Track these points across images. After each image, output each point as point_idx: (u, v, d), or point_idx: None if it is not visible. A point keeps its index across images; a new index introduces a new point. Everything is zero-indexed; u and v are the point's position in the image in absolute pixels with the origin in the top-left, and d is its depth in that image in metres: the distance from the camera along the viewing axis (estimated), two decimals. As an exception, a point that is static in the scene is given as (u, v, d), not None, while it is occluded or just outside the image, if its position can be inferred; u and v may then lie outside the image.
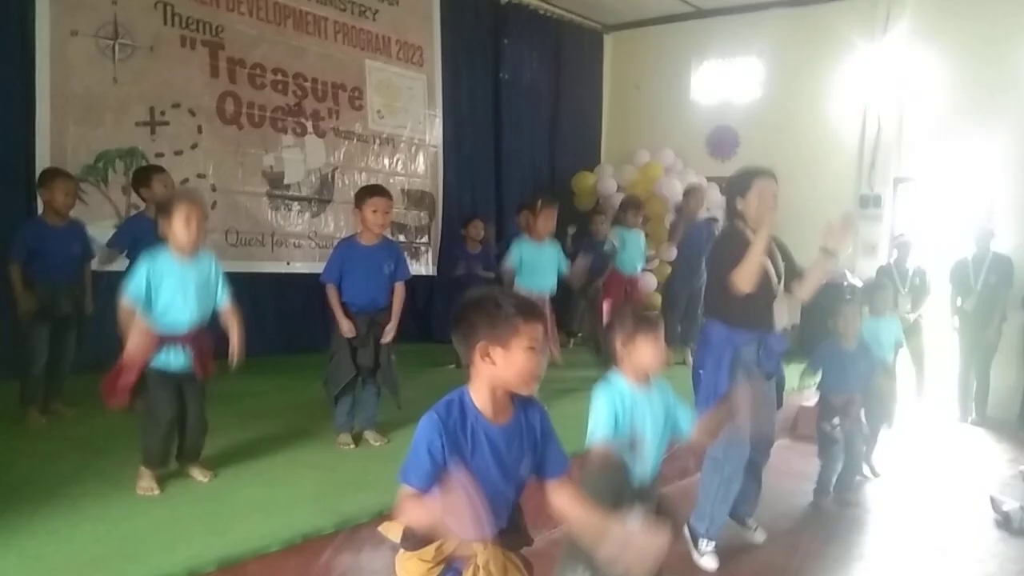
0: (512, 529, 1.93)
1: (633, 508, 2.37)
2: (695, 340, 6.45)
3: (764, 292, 3.46)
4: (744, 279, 3.34)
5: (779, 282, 3.56)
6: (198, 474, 3.51)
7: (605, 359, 2.52)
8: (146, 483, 3.33)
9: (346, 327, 4.05)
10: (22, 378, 4.39)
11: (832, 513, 4.59)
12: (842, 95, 8.51)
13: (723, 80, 9.31)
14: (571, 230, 8.04)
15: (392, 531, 1.94)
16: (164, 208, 3.34)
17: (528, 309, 1.80)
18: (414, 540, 1.85)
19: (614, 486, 2.36)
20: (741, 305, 3.42)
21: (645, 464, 2.45)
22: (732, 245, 3.49)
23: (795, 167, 8.60)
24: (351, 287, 4.12)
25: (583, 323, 8.09)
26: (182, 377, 3.39)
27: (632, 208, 6.51)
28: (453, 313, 1.86)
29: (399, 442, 4.17)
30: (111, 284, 4.65)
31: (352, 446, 4.13)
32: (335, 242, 6.97)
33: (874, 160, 8.30)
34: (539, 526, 3.60)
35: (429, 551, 1.84)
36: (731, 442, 3.46)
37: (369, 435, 4.25)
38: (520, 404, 1.89)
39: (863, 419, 4.80)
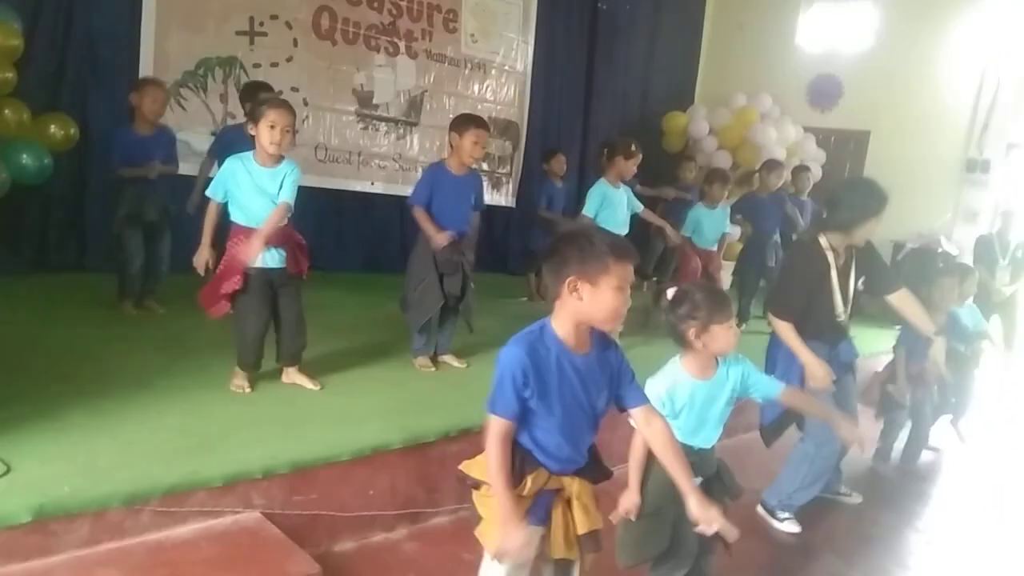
0: (593, 463, 1.96)
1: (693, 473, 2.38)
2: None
3: (831, 311, 3.39)
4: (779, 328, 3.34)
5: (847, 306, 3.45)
6: (307, 382, 3.63)
7: (674, 339, 2.44)
8: (239, 381, 3.49)
9: (442, 238, 4.00)
10: (120, 276, 4.64)
11: (893, 481, 4.51)
12: (960, 50, 7.96)
13: (831, 25, 8.80)
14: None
15: (475, 470, 1.94)
16: (253, 111, 3.39)
17: (621, 249, 1.81)
18: (515, 475, 1.85)
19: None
20: (810, 321, 3.35)
21: (704, 438, 2.43)
22: (809, 264, 3.40)
23: (899, 124, 8.19)
24: (440, 214, 4.07)
25: (660, 268, 7.98)
26: (277, 277, 3.47)
27: (718, 181, 6.22)
28: (547, 245, 1.86)
29: (473, 368, 4.27)
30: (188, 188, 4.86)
31: (433, 369, 4.21)
32: (418, 166, 7.09)
33: (987, 122, 7.80)
34: (623, 456, 3.67)
35: (524, 485, 1.85)
36: (824, 435, 3.41)
37: (449, 358, 4.32)
38: (598, 340, 1.90)
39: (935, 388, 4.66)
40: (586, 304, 1.78)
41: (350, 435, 3.09)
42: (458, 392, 3.79)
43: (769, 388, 2.54)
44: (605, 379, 1.91)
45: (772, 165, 6.83)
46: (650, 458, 2.32)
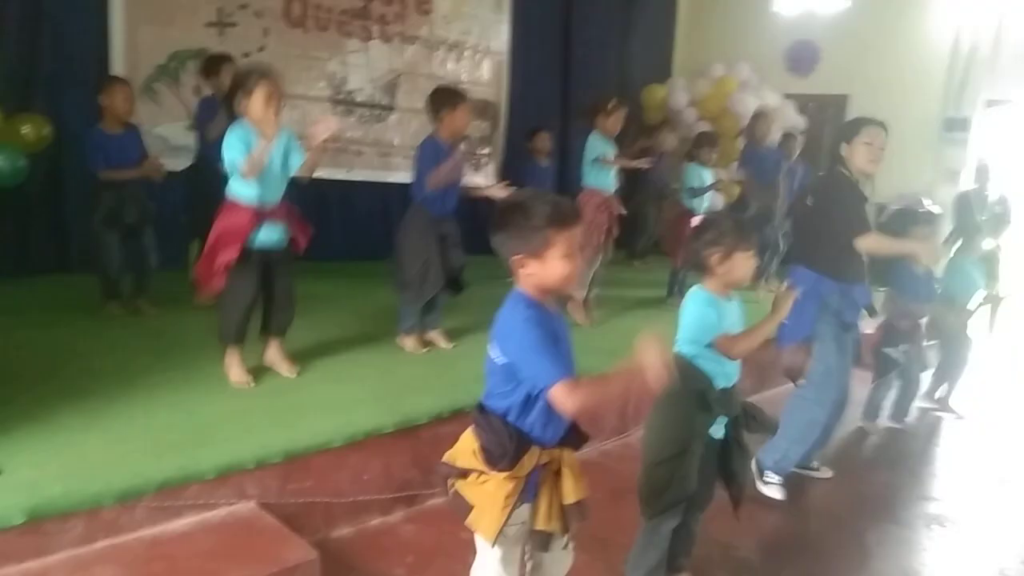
0: (573, 429, 1.95)
1: (718, 412, 2.39)
2: (759, 273, 6.39)
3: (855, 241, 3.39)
4: (868, 245, 3.34)
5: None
6: (285, 369, 3.62)
7: (692, 269, 2.47)
8: (238, 376, 3.45)
9: (457, 168, 3.99)
10: (101, 277, 4.59)
11: (884, 440, 4.56)
12: (934, 9, 7.97)
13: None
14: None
15: (461, 459, 1.90)
16: (242, 84, 3.26)
17: (560, 216, 1.77)
18: (509, 460, 1.80)
19: (699, 391, 2.39)
20: (835, 254, 3.37)
21: (730, 369, 2.45)
22: (839, 194, 3.41)
23: (877, 86, 8.19)
24: (439, 190, 4.02)
25: (647, 243, 8.01)
26: (273, 254, 3.44)
27: (707, 145, 6.27)
28: (494, 220, 1.82)
29: (461, 348, 4.27)
30: (174, 186, 4.82)
31: (424, 350, 4.21)
32: (396, 150, 7.06)
33: (964, 81, 7.83)
34: (592, 438, 3.69)
35: (524, 466, 1.82)
36: (822, 384, 3.45)
37: (438, 337, 4.31)
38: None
39: (925, 351, 4.70)
40: (539, 277, 1.79)
41: (342, 421, 3.09)
42: (448, 374, 3.79)
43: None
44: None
45: (760, 115, 6.86)
46: (670, 399, 2.33)
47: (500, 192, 4.01)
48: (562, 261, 1.77)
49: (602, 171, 5.09)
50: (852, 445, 4.35)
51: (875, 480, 3.94)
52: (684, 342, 2.43)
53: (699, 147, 6.29)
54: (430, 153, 4.04)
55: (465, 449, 1.89)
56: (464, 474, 1.90)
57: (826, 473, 3.89)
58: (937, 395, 5.14)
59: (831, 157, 3.53)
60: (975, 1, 7.65)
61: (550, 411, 1.81)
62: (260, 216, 3.33)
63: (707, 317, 2.40)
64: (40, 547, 2.29)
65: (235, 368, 3.47)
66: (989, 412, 5.23)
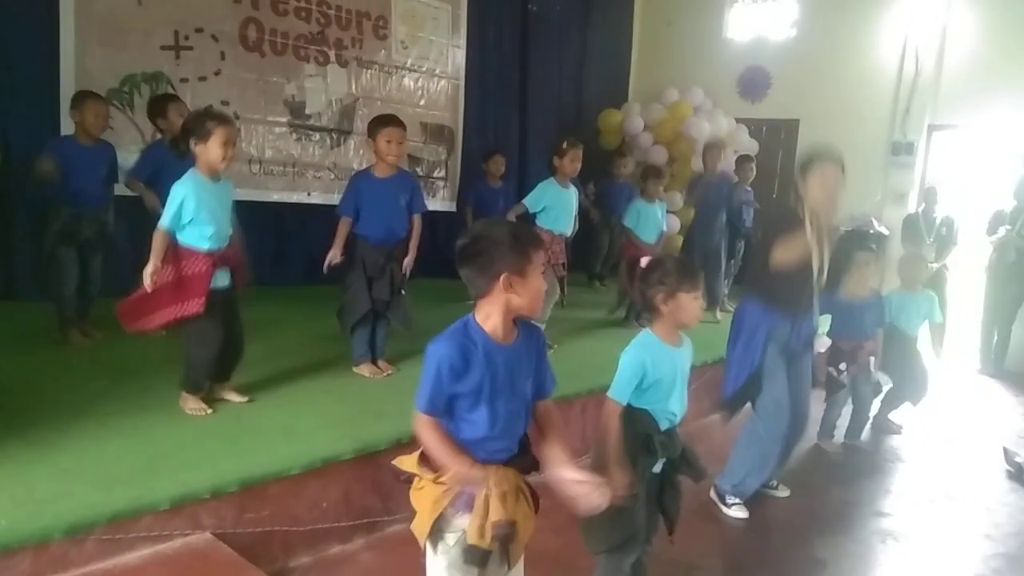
0: (522, 453, 1.97)
1: (661, 455, 2.40)
2: (714, 301, 6.50)
3: (804, 276, 3.41)
4: (784, 257, 3.32)
5: (821, 273, 3.48)
6: (235, 396, 3.58)
7: (636, 313, 2.49)
8: (194, 404, 3.39)
9: (333, 255, 4.06)
10: (56, 301, 4.44)
11: (840, 458, 4.64)
12: (879, 37, 8.25)
13: (758, 17, 9.04)
14: (591, 187, 7.96)
15: (406, 463, 1.97)
16: (198, 127, 3.27)
17: (533, 236, 1.92)
18: (433, 464, 1.89)
19: (641, 435, 2.39)
20: (781, 286, 3.40)
21: (672, 411, 2.47)
22: (781, 224, 3.44)
23: (827, 111, 8.41)
24: (368, 220, 4.12)
25: (606, 265, 8.10)
26: (228, 296, 3.43)
27: (653, 177, 6.37)
28: (464, 247, 1.86)
29: (409, 370, 4.22)
30: (134, 209, 4.73)
31: (382, 373, 4.22)
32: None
33: (909, 106, 8.09)
34: (577, 451, 3.69)
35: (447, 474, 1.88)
36: (772, 417, 3.52)
37: (382, 364, 4.31)
38: (522, 326, 1.94)
39: (872, 368, 4.80)
40: (519, 296, 1.84)
41: (299, 448, 3.04)
42: (407, 399, 3.71)
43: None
44: (532, 364, 1.96)
45: (711, 146, 7.01)
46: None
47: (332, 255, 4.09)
48: (539, 279, 1.88)
49: (558, 210, 5.09)
50: (808, 463, 4.42)
51: (831, 497, 4.00)
52: (618, 389, 2.41)
53: (644, 180, 6.40)
54: (350, 184, 4.20)
55: (414, 456, 1.95)
56: (410, 479, 1.97)
57: (783, 492, 3.94)
58: (886, 415, 5.23)
59: (783, 188, 3.59)
60: (918, 30, 7.93)
61: (482, 427, 1.86)
62: (216, 261, 3.32)
63: (638, 366, 2.38)
64: (-17, 584, 2.21)
65: (190, 400, 3.41)
66: (938, 431, 5.35)
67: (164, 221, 3.25)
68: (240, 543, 2.65)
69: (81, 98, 4.53)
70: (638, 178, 6.67)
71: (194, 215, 3.25)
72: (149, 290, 3.22)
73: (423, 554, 1.95)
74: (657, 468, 2.45)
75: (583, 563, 2.64)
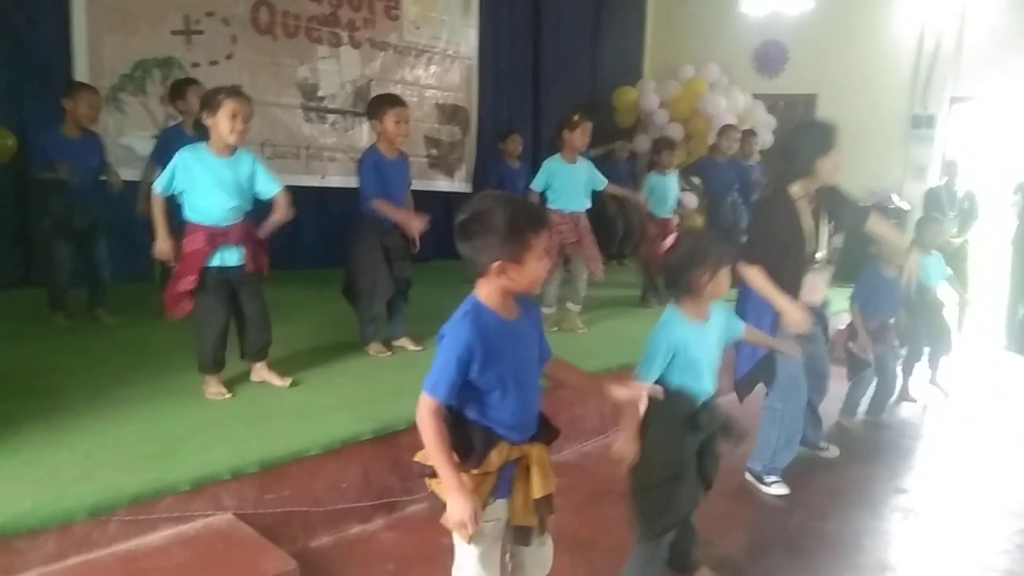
0: (544, 425, 1.97)
1: (700, 424, 2.40)
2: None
3: (799, 258, 3.36)
4: (749, 275, 3.30)
5: (823, 249, 3.44)
6: (275, 379, 3.58)
7: (677, 291, 2.44)
8: (214, 388, 3.40)
9: (419, 222, 4.04)
10: (49, 287, 4.54)
11: (863, 435, 4.60)
12: (898, 9, 8.10)
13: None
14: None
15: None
16: (209, 100, 3.27)
17: (534, 220, 1.81)
18: (477, 456, 1.83)
19: (683, 413, 2.39)
20: (785, 273, 3.34)
21: (705, 384, 2.45)
22: (779, 215, 3.38)
23: (845, 85, 8.30)
24: (387, 199, 4.07)
25: (627, 244, 8.07)
26: (236, 275, 3.39)
27: (666, 149, 6.32)
28: (463, 223, 1.81)
29: (425, 351, 4.22)
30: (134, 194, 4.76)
31: (388, 353, 4.22)
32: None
33: (930, 78, 7.95)
34: (572, 439, 3.68)
35: (489, 461, 1.84)
36: (790, 391, 3.49)
37: (405, 342, 4.33)
38: (521, 301, 1.91)
39: (897, 344, 4.75)
40: (515, 282, 1.81)
41: (319, 429, 3.05)
42: (423, 378, 3.75)
43: (736, 328, 2.62)
44: (535, 337, 1.94)
45: (727, 130, 6.93)
46: (658, 424, 2.36)
47: (417, 225, 4.06)
48: (539, 263, 1.81)
49: (565, 187, 5.02)
50: (830, 440, 4.38)
51: (851, 474, 3.96)
52: (645, 369, 2.39)
53: (658, 153, 6.34)
54: (369, 166, 4.08)
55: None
56: (435, 473, 1.89)
57: (833, 451, 4.05)
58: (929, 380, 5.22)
59: (786, 171, 3.48)
60: (937, 1, 7.78)
61: (510, 408, 1.84)
62: (215, 238, 3.30)
63: (669, 346, 2.37)
64: (10, 565, 2.23)
65: (212, 384, 3.42)
66: (961, 407, 5.30)
67: (156, 185, 3.29)
68: (261, 523, 2.67)
69: (76, 88, 4.55)
70: (651, 151, 6.61)
71: (187, 187, 3.26)
72: (164, 258, 3.33)
73: (454, 543, 1.94)
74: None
75: (602, 541, 2.64)
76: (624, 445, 2.30)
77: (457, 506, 1.76)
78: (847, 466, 4.07)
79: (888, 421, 4.83)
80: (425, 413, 1.81)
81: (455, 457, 1.83)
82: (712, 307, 2.49)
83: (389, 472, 3.14)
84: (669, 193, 6.20)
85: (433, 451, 1.81)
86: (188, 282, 3.28)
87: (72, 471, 2.56)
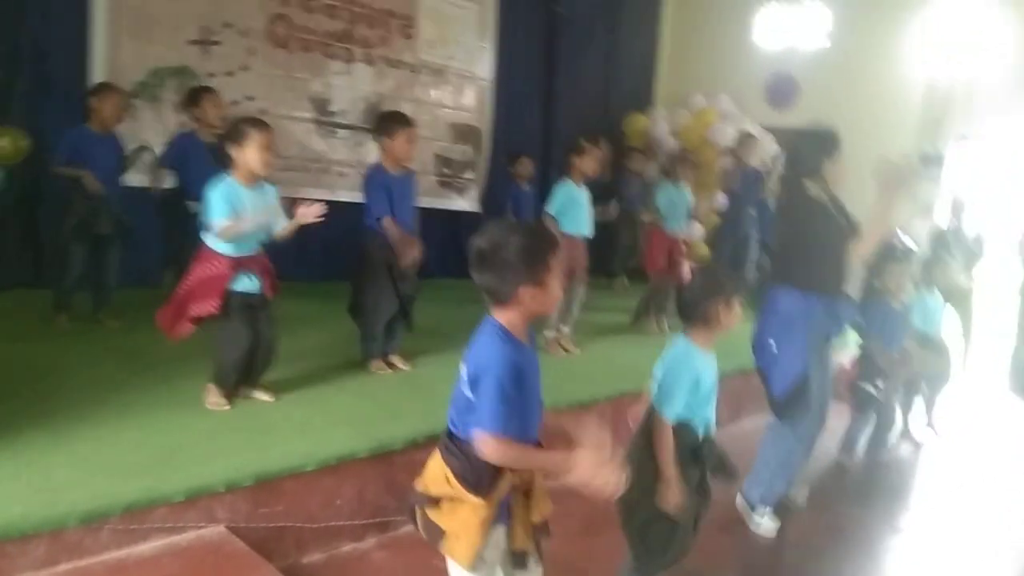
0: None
1: (702, 458, 2.39)
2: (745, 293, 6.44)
3: (841, 254, 3.34)
4: (868, 245, 3.32)
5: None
6: (263, 395, 3.58)
7: (694, 321, 2.44)
8: (215, 398, 3.40)
9: (415, 254, 4.05)
10: (55, 287, 4.55)
11: (861, 475, 4.56)
12: (912, 48, 8.14)
13: (786, 25, 8.92)
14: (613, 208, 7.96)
15: (432, 485, 1.88)
16: (236, 134, 3.28)
17: (550, 242, 1.86)
18: (487, 484, 1.80)
19: (687, 446, 2.39)
20: (819, 266, 3.33)
21: (709, 419, 2.46)
22: (812, 208, 3.36)
23: (855, 122, 8.21)
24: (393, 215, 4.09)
25: (630, 260, 8.08)
26: (256, 302, 3.42)
27: (682, 162, 6.37)
28: (482, 253, 1.81)
29: (437, 372, 4.22)
30: (147, 199, 4.79)
31: (388, 370, 4.24)
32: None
33: (940, 118, 7.98)
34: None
35: (500, 490, 1.83)
36: (805, 420, 3.42)
37: (396, 360, 4.34)
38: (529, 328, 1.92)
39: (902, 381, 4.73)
40: (537, 304, 1.82)
41: (315, 445, 3.04)
42: (425, 399, 3.76)
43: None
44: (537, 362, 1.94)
45: (746, 138, 6.98)
46: (653, 460, 2.35)
47: (412, 256, 4.07)
48: (557, 283, 1.84)
49: (576, 211, 5.05)
50: (827, 479, 4.35)
51: (849, 513, 3.93)
52: (676, 394, 2.38)
53: (672, 164, 6.38)
54: (375, 182, 4.11)
55: (437, 476, 1.87)
56: (435, 501, 1.88)
57: (801, 495, 3.87)
58: (913, 424, 5.17)
59: (801, 174, 3.47)
60: (951, 42, 7.82)
61: (523, 435, 1.82)
62: (237, 266, 3.32)
63: (693, 380, 2.38)
64: (-1, 570, 2.22)
65: (213, 393, 3.42)
66: (961, 447, 5.26)
67: (217, 221, 3.23)
68: (253, 537, 2.65)
69: (104, 88, 4.60)
70: (667, 163, 6.66)
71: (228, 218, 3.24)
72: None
73: (448, 569, 1.92)
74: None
75: (596, 571, 2.62)
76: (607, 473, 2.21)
77: (585, 460, 1.73)
78: (843, 505, 4.04)
79: (886, 460, 4.79)
80: (497, 451, 1.76)
81: (469, 486, 1.81)
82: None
83: (384, 491, 3.13)
84: (681, 206, 6.19)
85: (534, 465, 1.85)
86: (208, 304, 3.27)
87: (67, 476, 2.56)
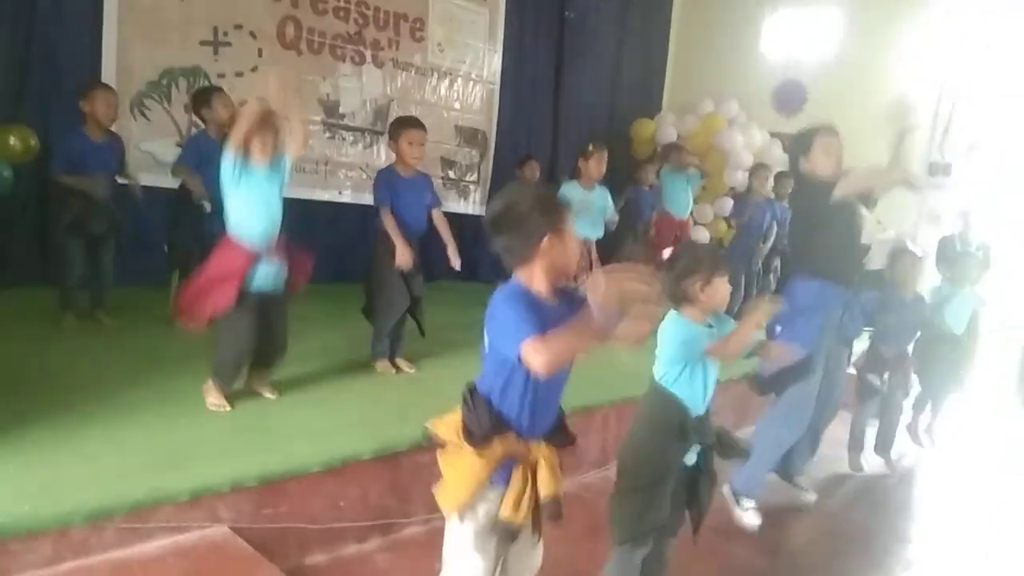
0: (560, 428, 1.98)
1: (694, 440, 2.39)
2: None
3: (854, 241, 3.39)
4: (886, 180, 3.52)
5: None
6: (267, 391, 3.59)
7: (672, 301, 2.47)
8: (216, 399, 3.38)
9: (407, 256, 4.06)
10: (60, 287, 4.57)
11: (865, 478, 4.54)
12: (920, 57, 8.12)
13: (795, 32, 8.94)
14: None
15: (442, 428, 1.93)
16: (264, 120, 3.30)
17: (556, 196, 1.98)
18: (480, 437, 1.84)
19: (677, 421, 2.39)
20: (834, 254, 3.35)
21: (704, 397, 2.45)
22: (815, 197, 3.42)
23: (863, 130, 8.25)
24: (400, 218, 4.13)
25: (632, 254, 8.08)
26: (270, 295, 3.39)
27: (675, 150, 6.43)
28: (499, 215, 1.87)
29: (445, 374, 4.22)
30: (169, 200, 4.80)
31: (394, 371, 4.26)
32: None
33: (948, 127, 7.95)
34: (572, 470, 3.66)
35: (495, 448, 1.85)
36: (799, 408, 3.43)
37: (402, 362, 4.35)
38: (562, 294, 1.92)
39: (911, 378, 4.70)
40: (559, 255, 1.86)
41: (320, 446, 3.04)
42: (432, 401, 3.72)
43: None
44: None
45: (758, 170, 6.97)
46: (647, 431, 2.39)
47: (405, 260, 4.07)
48: (573, 237, 1.90)
49: (581, 219, 5.07)
50: (832, 483, 4.34)
51: (853, 520, 3.92)
52: (668, 362, 2.42)
53: (666, 154, 6.42)
54: (381, 182, 4.17)
55: (450, 421, 1.92)
56: (443, 444, 1.95)
57: (810, 498, 3.88)
58: (921, 426, 5.14)
59: (796, 176, 3.55)
60: (959, 51, 7.80)
61: (527, 399, 1.85)
62: (258, 256, 3.30)
63: (690, 333, 2.41)
64: (4, 568, 2.23)
65: (213, 393, 3.42)
66: (969, 457, 5.24)
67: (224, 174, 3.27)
68: (256, 538, 2.66)
69: (91, 88, 4.59)
70: (661, 155, 6.69)
71: (244, 200, 3.26)
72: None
73: (446, 530, 1.94)
74: (691, 459, 2.43)
75: (597, 573, 2.61)
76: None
77: (612, 318, 1.66)
78: (849, 513, 4.03)
79: (894, 467, 4.77)
80: (538, 353, 1.67)
81: (467, 435, 1.85)
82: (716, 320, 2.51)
83: (388, 493, 3.13)
84: (683, 191, 6.24)
85: (576, 342, 1.70)
86: (224, 296, 3.23)
87: (74, 475, 2.56)
